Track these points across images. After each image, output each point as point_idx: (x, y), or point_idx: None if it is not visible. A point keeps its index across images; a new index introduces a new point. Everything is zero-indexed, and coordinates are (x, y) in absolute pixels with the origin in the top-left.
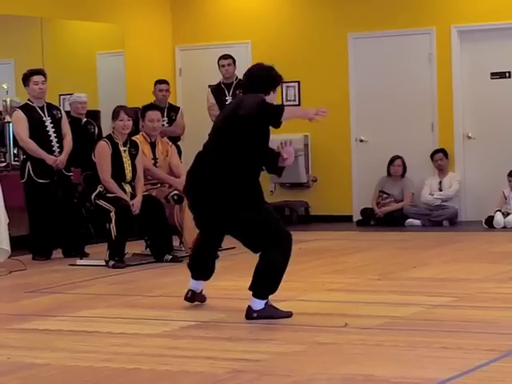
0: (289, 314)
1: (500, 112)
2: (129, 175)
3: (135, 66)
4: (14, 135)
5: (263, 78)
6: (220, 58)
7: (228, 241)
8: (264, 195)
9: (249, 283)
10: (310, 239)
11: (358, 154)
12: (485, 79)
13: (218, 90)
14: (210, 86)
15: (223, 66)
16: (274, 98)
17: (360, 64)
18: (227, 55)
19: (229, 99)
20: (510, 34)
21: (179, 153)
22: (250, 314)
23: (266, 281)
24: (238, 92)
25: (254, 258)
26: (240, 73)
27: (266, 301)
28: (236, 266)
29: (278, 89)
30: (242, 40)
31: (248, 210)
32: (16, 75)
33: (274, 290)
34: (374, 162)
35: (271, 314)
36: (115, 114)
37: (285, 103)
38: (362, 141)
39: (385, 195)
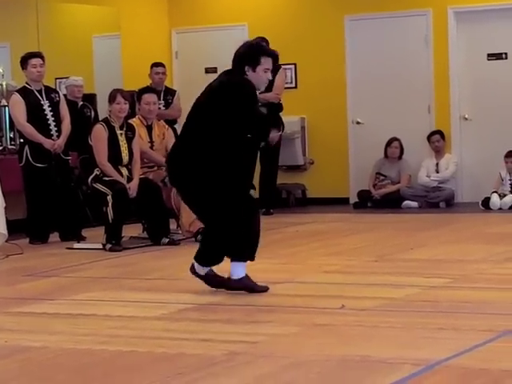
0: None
1: (496, 93)
2: (125, 158)
3: (131, 48)
4: (10, 119)
5: (239, 55)
6: None
7: None
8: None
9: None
10: (307, 221)
11: (354, 136)
12: (481, 60)
13: None
14: None
15: None
16: (256, 76)
17: (356, 46)
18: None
19: None
20: (507, 15)
21: (176, 136)
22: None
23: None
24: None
25: None
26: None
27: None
28: None
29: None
30: (238, 22)
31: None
32: (12, 59)
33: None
34: (370, 144)
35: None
36: (112, 98)
37: None
38: (358, 123)
39: (382, 177)
